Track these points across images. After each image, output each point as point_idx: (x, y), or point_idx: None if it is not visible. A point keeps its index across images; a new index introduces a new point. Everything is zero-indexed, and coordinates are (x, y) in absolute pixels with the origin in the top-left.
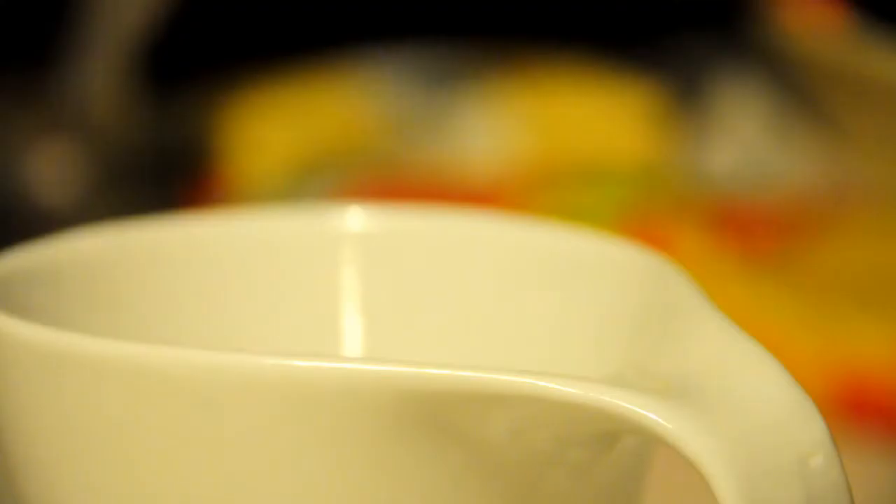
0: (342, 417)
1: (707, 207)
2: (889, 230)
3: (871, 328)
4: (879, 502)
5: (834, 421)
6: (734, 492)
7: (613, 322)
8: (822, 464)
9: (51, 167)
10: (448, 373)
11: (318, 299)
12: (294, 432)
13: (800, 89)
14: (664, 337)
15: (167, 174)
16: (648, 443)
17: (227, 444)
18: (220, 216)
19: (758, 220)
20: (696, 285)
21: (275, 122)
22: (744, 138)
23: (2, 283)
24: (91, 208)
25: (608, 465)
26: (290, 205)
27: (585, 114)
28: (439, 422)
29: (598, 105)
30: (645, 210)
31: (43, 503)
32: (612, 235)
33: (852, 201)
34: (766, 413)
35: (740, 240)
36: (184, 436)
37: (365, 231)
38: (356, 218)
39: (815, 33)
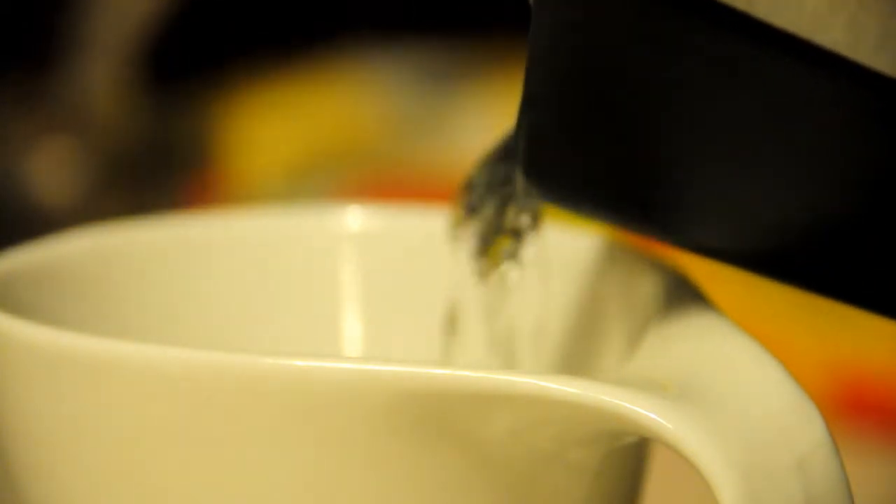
0: (342, 417)
1: None
2: None
3: (871, 328)
4: (879, 502)
5: (834, 421)
6: (733, 491)
7: (614, 322)
8: (821, 463)
9: (51, 167)
10: (448, 373)
11: (318, 299)
12: (294, 432)
13: None
14: (664, 337)
15: (167, 174)
16: (648, 443)
17: (228, 443)
18: (219, 216)
19: None
20: (697, 285)
21: (274, 121)
22: None
23: (2, 283)
24: (91, 208)
25: (608, 464)
26: (290, 205)
27: None
28: (439, 422)
29: None
30: None
31: (43, 502)
32: (612, 235)
33: None
34: (766, 413)
35: None
36: (183, 435)
37: (365, 231)
38: (356, 218)
39: None
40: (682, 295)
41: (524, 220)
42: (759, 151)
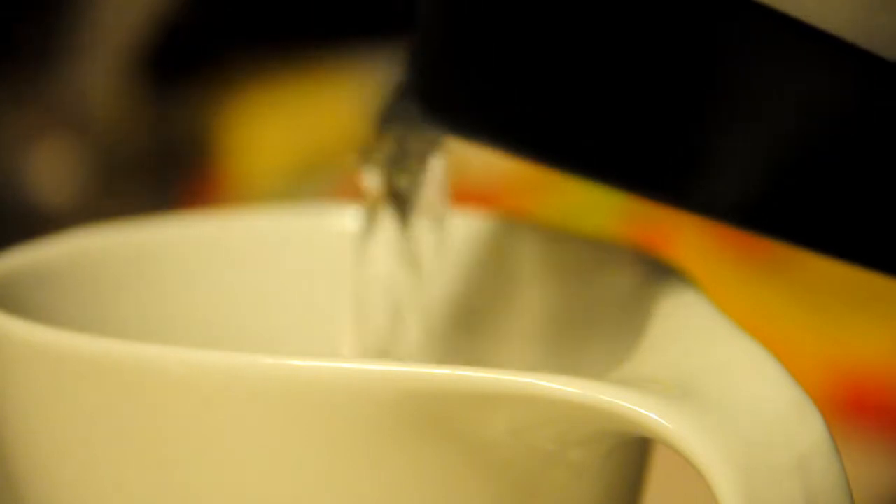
0: (342, 417)
1: None
2: None
3: (871, 328)
4: (879, 502)
5: (834, 421)
6: (733, 491)
7: (614, 321)
8: (821, 463)
9: (51, 167)
10: (448, 373)
11: (318, 299)
12: (294, 432)
13: None
14: (665, 337)
15: (167, 173)
16: (649, 442)
17: (227, 443)
18: (219, 216)
19: None
20: (697, 285)
21: (274, 121)
22: None
23: (2, 283)
24: (91, 208)
25: (608, 464)
26: (290, 204)
27: None
28: (439, 422)
29: None
30: (646, 210)
31: (43, 502)
32: (612, 235)
33: None
34: (766, 413)
35: (741, 239)
36: (183, 435)
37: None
38: (356, 218)
39: None
40: (682, 295)
41: (427, 148)
42: (659, 82)
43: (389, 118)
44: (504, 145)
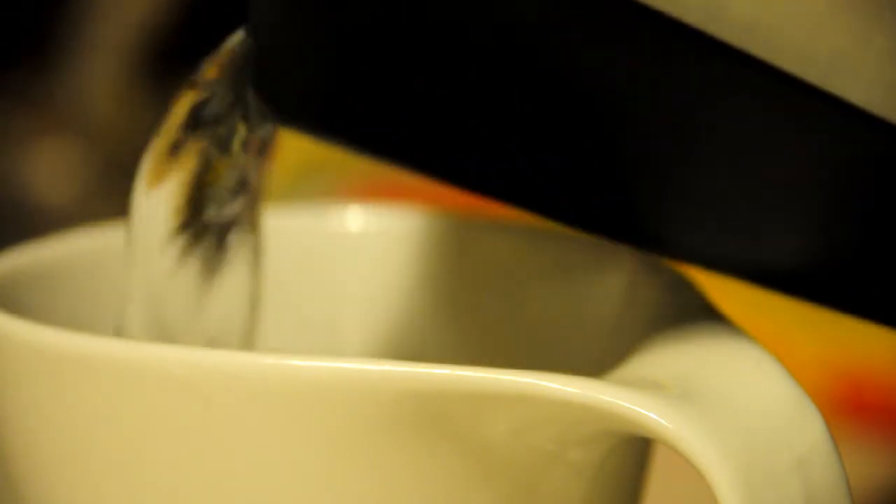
0: (341, 417)
1: None
2: None
3: (871, 328)
4: (879, 502)
5: (834, 421)
6: (733, 491)
7: (613, 322)
8: (821, 463)
9: (51, 167)
10: (448, 373)
11: (317, 299)
12: (293, 432)
13: None
14: (664, 337)
15: None
16: (649, 442)
17: (227, 443)
18: None
19: None
20: (697, 285)
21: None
22: None
23: (2, 283)
24: (91, 208)
25: (608, 464)
26: (290, 205)
27: None
28: (439, 422)
29: None
30: None
31: (43, 502)
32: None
33: None
34: (766, 413)
35: None
36: (183, 435)
37: (365, 231)
38: (356, 218)
39: None
40: (683, 295)
41: (258, 141)
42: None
43: (217, 105)
44: (340, 140)
